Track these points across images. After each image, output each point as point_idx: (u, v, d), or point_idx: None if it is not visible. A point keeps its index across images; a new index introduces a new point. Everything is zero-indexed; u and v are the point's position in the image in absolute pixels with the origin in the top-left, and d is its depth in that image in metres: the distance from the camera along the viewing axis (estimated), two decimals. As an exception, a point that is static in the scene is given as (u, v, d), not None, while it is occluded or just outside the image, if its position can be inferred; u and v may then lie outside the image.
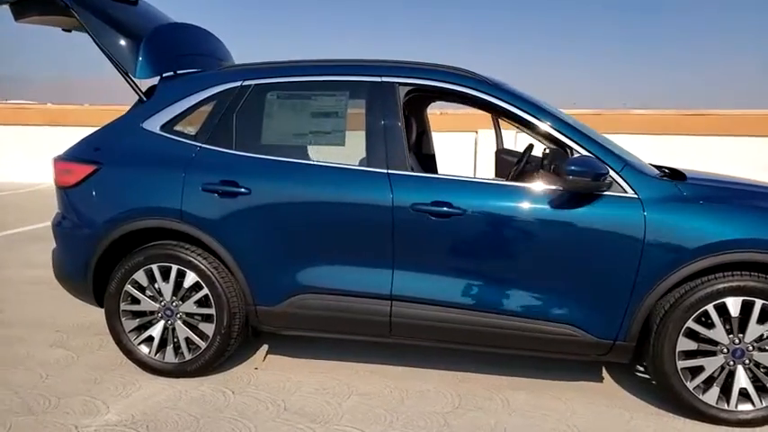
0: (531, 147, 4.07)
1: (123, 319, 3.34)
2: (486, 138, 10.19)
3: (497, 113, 3.12)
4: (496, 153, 4.68)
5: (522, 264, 2.93)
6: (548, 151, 3.72)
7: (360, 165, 3.10)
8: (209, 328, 3.26)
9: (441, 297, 3.02)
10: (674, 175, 3.23)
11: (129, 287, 3.30)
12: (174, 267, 3.22)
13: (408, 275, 3.04)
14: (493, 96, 3.04)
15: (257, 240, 3.13)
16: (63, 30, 3.87)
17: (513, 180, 3.49)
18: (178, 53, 3.63)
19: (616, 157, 2.90)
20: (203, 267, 3.18)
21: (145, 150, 3.30)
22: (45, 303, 4.58)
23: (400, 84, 3.12)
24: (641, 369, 3.52)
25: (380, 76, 3.14)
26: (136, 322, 3.35)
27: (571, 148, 2.95)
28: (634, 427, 2.89)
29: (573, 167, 2.73)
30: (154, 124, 3.33)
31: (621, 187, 2.85)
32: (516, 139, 8.31)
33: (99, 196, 3.29)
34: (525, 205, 2.90)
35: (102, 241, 3.28)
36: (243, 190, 3.10)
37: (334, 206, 3.06)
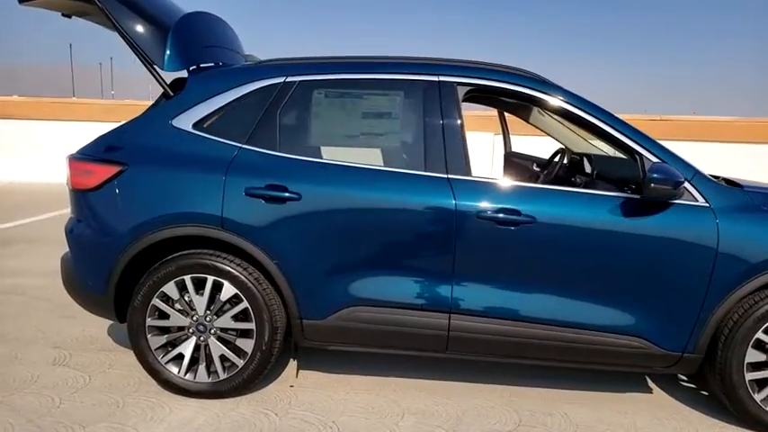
0: (562, 151, 3.99)
1: (149, 336, 3.03)
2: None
3: (560, 116, 3.00)
4: (505, 156, 4.60)
5: (593, 275, 2.82)
6: (573, 155, 3.64)
7: (414, 169, 2.91)
8: (247, 345, 3.00)
9: (505, 310, 2.88)
10: (729, 183, 3.21)
11: (156, 300, 2.99)
12: (210, 279, 2.95)
13: (470, 287, 2.88)
14: (557, 98, 2.91)
15: (306, 249, 2.90)
16: (62, 15, 3.50)
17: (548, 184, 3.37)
18: (204, 44, 3.35)
19: (686, 165, 2.83)
20: (244, 279, 2.92)
21: (177, 150, 3.01)
22: (28, 316, 4.17)
23: (459, 83, 2.95)
24: (685, 378, 3.48)
25: (438, 74, 2.97)
26: (163, 339, 3.05)
27: (638, 155, 2.84)
28: (702, 441, 2.83)
29: (656, 175, 2.64)
30: (185, 122, 3.03)
31: (692, 196, 2.79)
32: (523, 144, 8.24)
33: (125, 200, 2.97)
34: (597, 213, 2.79)
35: (128, 250, 2.97)
36: (293, 195, 2.86)
37: (392, 213, 2.86)
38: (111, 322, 4.00)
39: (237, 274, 2.92)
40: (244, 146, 2.97)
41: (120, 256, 2.97)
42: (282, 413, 2.95)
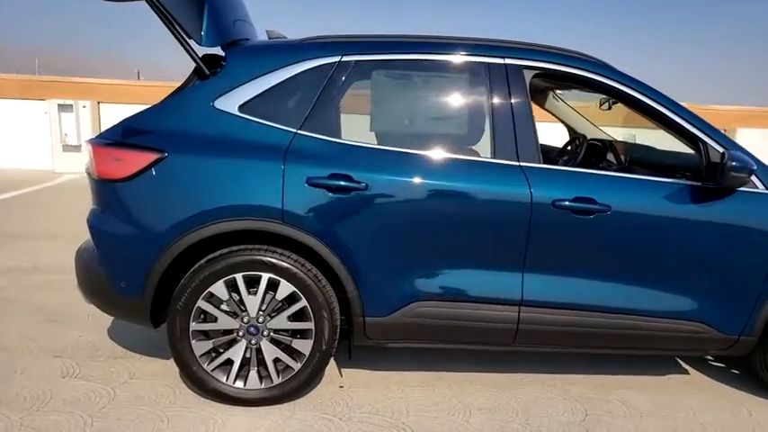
0: (579, 138, 4.00)
1: (194, 342, 2.74)
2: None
3: (627, 104, 2.97)
4: None
5: (661, 262, 2.83)
6: (592, 142, 3.66)
7: (481, 156, 2.80)
8: (305, 346, 2.78)
9: (575, 301, 2.83)
10: None
11: (202, 303, 2.71)
12: (265, 277, 2.70)
13: (540, 278, 2.81)
14: (625, 86, 2.87)
15: (371, 243, 2.71)
16: None
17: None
18: (234, 18, 3.04)
19: (747, 153, 2.89)
20: (303, 276, 2.69)
21: (224, 135, 2.71)
22: (3, 322, 3.68)
23: (526, 67, 2.85)
24: (711, 358, 3.61)
25: (504, 57, 2.84)
26: (209, 344, 2.77)
27: (702, 143, 2.85)
28: (758, 421, 2.92)
29: (734, 163, 2.66)
30: (230, 104, 2.74)
31: (754, 183, 2.84)
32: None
33: (167, 191, 2.65)
34: (671, 201, 2.79)
35: (171, 248, 2.65)
36: (358, 185, 2.66)
37: (463, 203, 2.73)
38: (108, 326, 3.64)
39: (296, 270, 2.69)
40: (299, 131, 2.72)
41: (162, 254, 2.65)
42: (345, 417, 2.76)
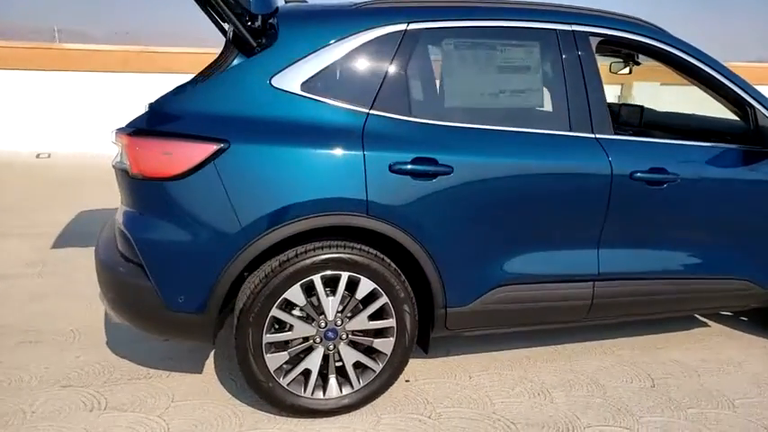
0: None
1: (267, 356, 2.42)
2: (642, 92, 8.65)
3: (680, 69, 2.95)
4: None
5: (720, 226, 2.91)
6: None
7: (559, 129, 2.67)
8: (386, 345, 2.56)
9: (645, 270, 2.85)
10: None
11: (277, 311, 2.39)
12: (345, 275, 2.42)
13: (614, 251, 2.78)
14: (680, 51, 2.85)
15: (455, 229, 2.52)
16: None
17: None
18: None
19: None
20: (383, 271, 2.46)
21: (289, 119, 2.36)
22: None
23: (592, 34, 2.73)
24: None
25: (570, 23, 2.71)
26: (284, 356, 2.46)
27: (750, 107, 2.92)
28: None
29: None
30: (290, 82, 2.38)
31: None
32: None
33: (233, 189, 2.26)
34: (725, 166, 2.84)
35: (242, 254, 2.30)
36: (444, 168, 2.44)
37: (545, 180, 2.61)
38: (102, 340, 3.18)
39: (377, 266, 2.44)
40: (372, 111, 2.43)
41: (231, 261, 2.29)
42: (435, 415, 2.60)
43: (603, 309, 2.85)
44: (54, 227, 5.11)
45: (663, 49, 2.83)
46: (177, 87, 2.41)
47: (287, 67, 2.38)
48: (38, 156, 8.21)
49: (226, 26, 3.31)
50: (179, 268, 2.31)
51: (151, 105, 2.35)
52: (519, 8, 2.68)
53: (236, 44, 2.44)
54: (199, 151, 2.23)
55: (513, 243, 2.62)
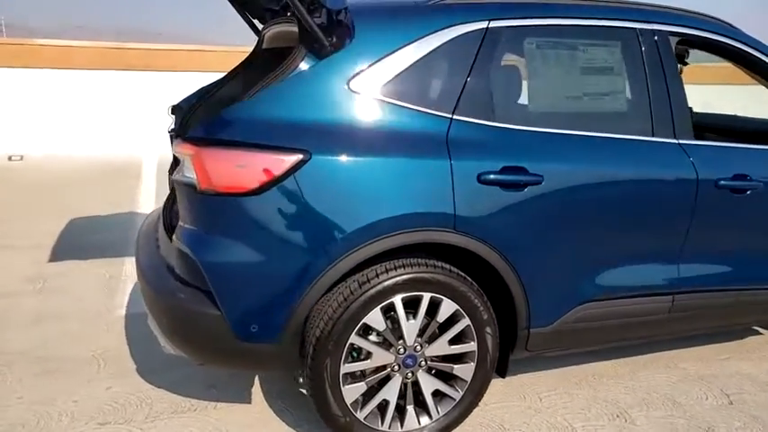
0: None
1: (345, 387, 2.19)
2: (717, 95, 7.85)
3: (752, 68, 2.81)
4: None
5: None
6: None
7: (642, 134, 2.51)
8: (466, 371, 2.36)
9: (723, 280, 2.72)
10: None
11: (355, 337, 2.16)
12: (426, 296, 2.21)
13: (694, 263, 2.65)
14: (756, 50, 2.73)
15: (541, 244, 2.34)
16: None
17: None
18: None
19: None
20: (466, 291, 2.25)
21: (369, 126, 2.13)
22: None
23: (671, 33, 2.58)
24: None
25: (651, 22, 2.55)
26: (362, 387, 2.23)
27: None
28: None
29: None
30: (368, 86, 2.15)
31: None
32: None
33: (314, 205, 2.02)
34: None
35: (322, 276, 2.06)
36: (534, 178, 2.25)
37: (633, 188, 2.45)
38: (128, 367, 2.88)
39: (460, 286, 2.24)
40: (455, 117, 2.22)
41: (312, 284, 2.05)
42: (517, 443, 2.42)
43: (680, 322, 2.72)
44: (47, 237, 4.72)
45: (740, 49, 2.70)
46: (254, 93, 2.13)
47: (365, 69, 2.14)
48: (10, 158, 7.70)
49: (258, 24, 3.07)
50: (253, 294, 2.06)
51: (220, 112, 2.09)
52: (604, 6, 2.51)
53: (304, 43, 2.19)
54: (278, 164, 1.98)
55: (598, 257, 2.46)
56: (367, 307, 2.13)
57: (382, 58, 2.16)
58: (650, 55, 2.51)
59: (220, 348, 2.14)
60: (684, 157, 2.50)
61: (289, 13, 2.78)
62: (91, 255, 4.33)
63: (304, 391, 2.55)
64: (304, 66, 2.14)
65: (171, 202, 2.93)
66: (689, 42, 2.68)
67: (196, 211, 2.09)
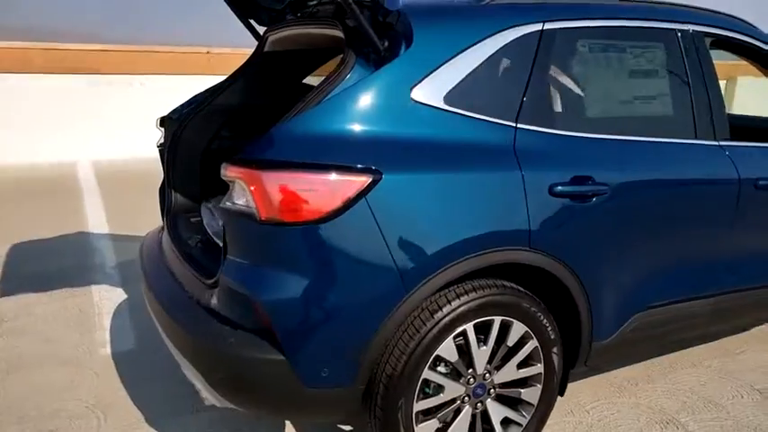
0: None
1: (418, 427, 2.00)
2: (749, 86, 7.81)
3: None
4: None
5: None
6: None
7: (685, 137, 2.46)
8: (533, 394, 2.23)
9: (759, 279, 2.73)
10: None
11: (428, 372, 1.97)
12: (497, 320, 2.06)
13: (734, 262, 2.64)
14: None
15: (605, 255, 2.24)
16: None
17: None
18: None
19: None
20: (536, 311, 2.12)
21: (436, 139, 1.94)
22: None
23: (707, 34, 2.55)
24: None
25: (688, 23, 2.50)
26: (434, 424, 2.05)
27: None
28: None
29: None
30: (431, 95, 1.95)
31: None
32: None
33: (387, 230, 1.81)
34: None
35: (398, 308, 1.86)
36: (600, 188, 2.14)
37: (686, 192, 2.42)
38: (140, 419, 2.55)
39: (529, 306, 2.10)
40: (519, 125, 2.07)
41: (387, 317, 1.85)
42: (583, 465, 2.31)
43: (720, 322, 2.75)
44: (-12, 266, 4.19)
45: (764, 49, 2.70)
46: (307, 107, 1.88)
47: (425, 77, 1.95)
48: None
49: (258, 27, 2.82)
50: (323, 333, 1.82)
51: (274, 128, 1.83)
52: (647, 7, 2.45)
53: (353, 49, 1.96)
54: (349, 186, 1.76)
55: (654, 264, 2.39)
56: (440, 337, 1.95)
57: (442, 65, 1.98)
58: (690, 57, 2.46)
59: (283, 398, 1.89)
60: (726, 158, 2.48)
61: (297, 15, 2.56)
62: (49, 286, 3.87)
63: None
64: (358, 75, 1.91)
65: (173, 224, 2.62)
66: (720, 44, 2.65)
67: (253, 243, 1.82)
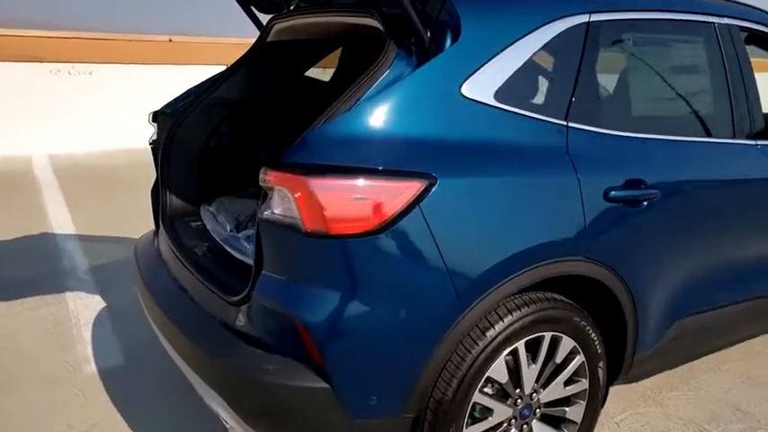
0: None
1: (466, 455, 1.83)
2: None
3: None
4: None
5: None
6: None
7: (725, 136, 2.36)
8: (577, 412, 2.09)
9: None
10: None
11: (479, 395, 1.81)
12: (547, 336, 1.91)
13: (766, 265, 2.56)
14: None
15: (654, 262, 2.12)
16: None
17: None
18: None
19: None
20: (585, 325, 1.98)
21: (489, 140, 1.77)
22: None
23: (742, 28, 2.45)
24: None
25: (722, 16, 2.38)
26: (483, 450, 1.89)
27: None
28: None
29: None
30: (481, 90, 1.77)
31: None
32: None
33: (442, 241, 1.62)
34: None
35: (454, 328, 1.68)
36: (652, 192, 2.01)
37: (731, 194, 2.35)
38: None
39: (580, 320, 1.96)
40: (570, 124, 1.92)
41: (443, 339, 1.67)
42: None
43: (750, 326, 2.66)
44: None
45: None
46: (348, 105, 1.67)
47: (475, 72, 1.77)
48: None
49: (262, 16, 2.60)
50: (374, 358, 1.63)
51: (315, 130, 1.62)
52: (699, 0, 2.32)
53: (395, 40, 1.77)
54: (401, 192, 1.56)
55: (697, 269, 2.28)
56: (492, 357, 1.79)
57: (491, 58, 1.80)
58: (729, 52, 2.36)
59: (325, 429, 1.68)
60: (765, 158, 2.39)
61: (308, 3, 2.35)
62: (18, 294, 3.53)
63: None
64: (401, 69, 1.72)
65: (172, 229, 2.38)
66: (753, 39, 2.56)
67: (295, 258, 1.61)
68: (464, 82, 1.74)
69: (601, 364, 2.06)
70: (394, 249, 1.58)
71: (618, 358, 2.16)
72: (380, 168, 1.57)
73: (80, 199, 5.49)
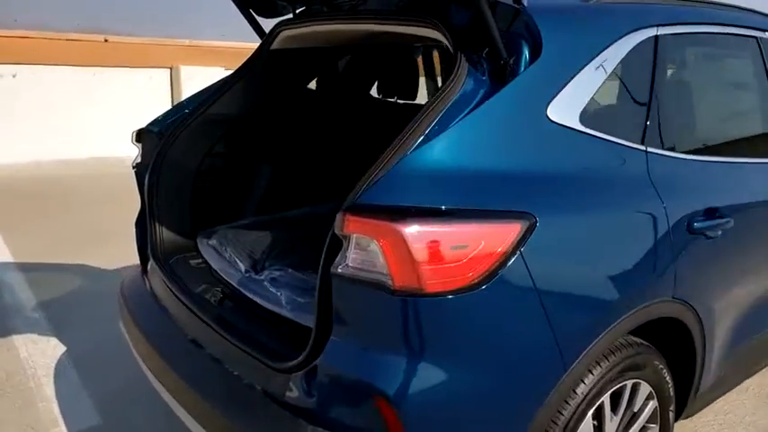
0: None
1: None
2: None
3: None
4: None
5: None
6: None
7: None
8: (645, 458, 1.91)
9: None
10: None
11: (566, 459, 1.59)
12: (629, 384, 1.72)
13: None
14: None
15: (725, 295, 1.99)
16: None
17: None
18: None
19: None
20: (662, 368, 1.81)
21: (580, 168, 1.55)
22: None
23: None
24: None
25: (760, 29, 2.28)
26: None
27: None
28: None
29: None
30: (566, 113, 1.55)
31: None
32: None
33: (545, 290, 1.39)
34: None
35: (555, 391, 1.45)
36: (726, 221, 1.85)
37: None
38: None
39: (658, 363, 1.78)
40: (649, 149, 1.73)
41: (544, 403, 1.44)
42: None
43: None
44: None
45: None
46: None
47: (559, 92, 1.55)
48: None
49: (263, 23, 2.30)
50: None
51: (392, 166, 1.34)
52: (742, 13, 2.19)
53: (466, 56, 1.51)
54: (504, 237, 1.31)
55: (759, 295, 2.17)
56: (582, 417, 1.57)
57: (573, 77, 1.58)
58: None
59: None
60: None
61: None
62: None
63: None
64: (477, 89, 1.47)
65: (169, 269, 2.05)
66: None
67: (380, 320, 1.32)
68: (549, 104, 1.51)
69: (672, 407, 1.90)
70: (496, 306, 1.33)
71: (683, 396, 2.00)
72: (479, 209, 1.31)
73: (11, 219, 4.90)
